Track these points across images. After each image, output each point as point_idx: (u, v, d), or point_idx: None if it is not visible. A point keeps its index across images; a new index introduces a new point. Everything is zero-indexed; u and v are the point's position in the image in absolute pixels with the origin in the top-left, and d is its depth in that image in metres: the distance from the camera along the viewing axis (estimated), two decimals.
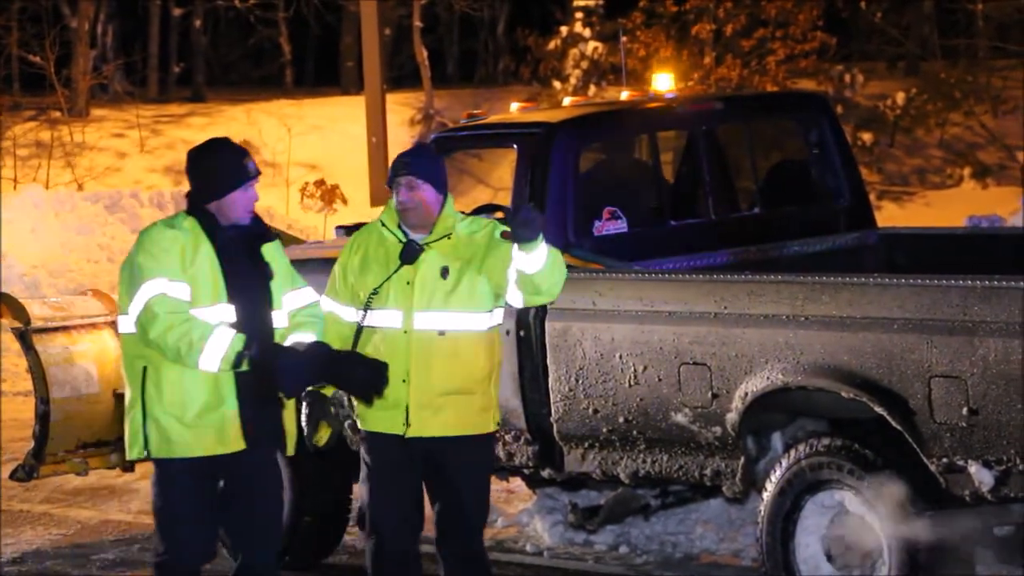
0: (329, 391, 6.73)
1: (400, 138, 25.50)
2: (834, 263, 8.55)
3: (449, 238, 6.66)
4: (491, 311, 6.69)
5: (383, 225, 6.75)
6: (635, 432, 7.74)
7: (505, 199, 8.25)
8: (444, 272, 6.62)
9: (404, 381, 6.59)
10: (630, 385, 7.71)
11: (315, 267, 8.35)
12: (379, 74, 23.73)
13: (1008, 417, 6.67)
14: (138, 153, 26.20)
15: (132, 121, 26.94)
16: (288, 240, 10.00)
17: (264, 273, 6.54)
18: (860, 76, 25.76)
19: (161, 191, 20.42)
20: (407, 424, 6.61)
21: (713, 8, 24.34)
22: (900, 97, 25.74)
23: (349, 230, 9.67)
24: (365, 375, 6.49)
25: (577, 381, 7.82)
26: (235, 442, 6.43)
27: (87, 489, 10.78)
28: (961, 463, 6.82)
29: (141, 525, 10.02)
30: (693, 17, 24.58)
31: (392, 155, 23.85)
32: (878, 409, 7.00)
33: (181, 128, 27.36)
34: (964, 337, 6.75)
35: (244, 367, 6.34)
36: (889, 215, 21.38)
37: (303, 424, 6.71)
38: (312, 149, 24.76)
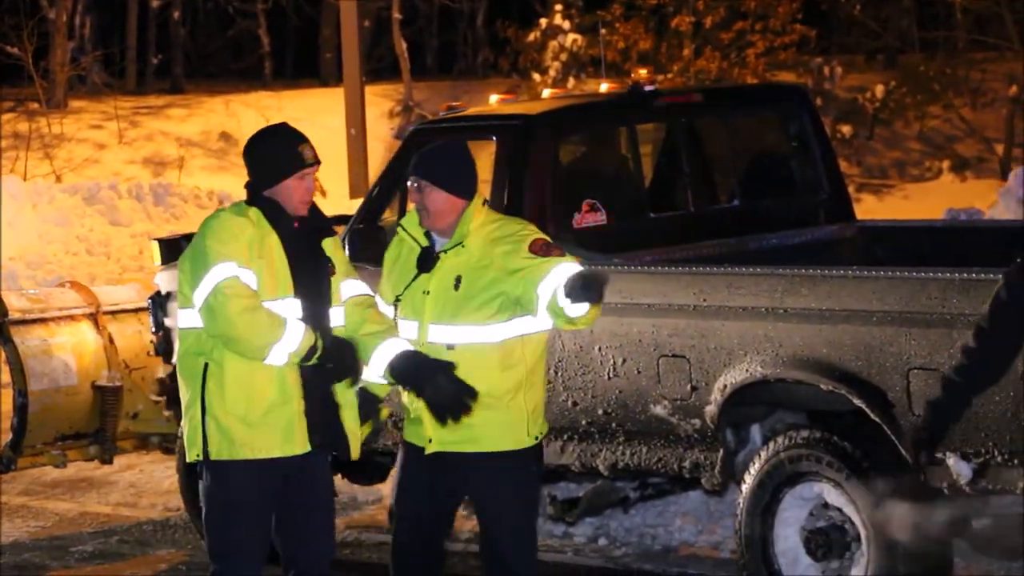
0: (382, 392, 6.38)
1: (379, 131, 25.49)
2: (813, 256, 8.56)
3: (463, 245, 6.22)
4: (508, 321, 6.18)
5: (404, 229, 6.37)
6: (614, 424, 7.75)
7: (485, 191, 8.24)
8: (457, 283, 6.20)
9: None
10: (609, 377, 7.71)
11: None
12: (358, 66, 23.68)
13: (986, 410, 6.69)
14: (117, 145, 26.14)
15: (110, 113, 26.87)
16: None
17: (326, 269, 6.21)
18: (839, 69, 25.79)
19: (140, 183, 20.37)
20: (429, 440, 6.28)
21: (692, 0, 24.34)
22: (879, 90, 25.78)
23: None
24: (446, 387, 6.08)
25: (556, 373, 7.82)
26: (301, 444, 6.12)
27: (65, 481, 10.77)
28: (939, 455, 6.83)
29: (120, 517, 10.02)
30: (672, 9, 24.59)
31: (371, 148, 23.85)
32: (857, 401, 7.01)
33: (160, 120, 27.31)
34: (942, 329, 6.77)
35: (314, 361, 6.04)
36: (868, 208, 21.41)
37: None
38: None
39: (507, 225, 6.29)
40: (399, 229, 6.41)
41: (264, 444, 6.07)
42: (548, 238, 6.25)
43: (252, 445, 6.06)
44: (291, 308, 6.10)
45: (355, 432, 6.29)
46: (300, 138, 6.21)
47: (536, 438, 6.31)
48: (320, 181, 21.55)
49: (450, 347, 6.20)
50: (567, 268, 6.08)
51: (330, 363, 6.09)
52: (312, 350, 6.03)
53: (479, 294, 6.18)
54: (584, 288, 5.89)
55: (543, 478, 6.95)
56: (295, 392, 6.10)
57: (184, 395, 6.18)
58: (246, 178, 6.28)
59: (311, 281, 6.16)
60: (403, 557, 6.44)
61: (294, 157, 6.17)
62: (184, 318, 6.13)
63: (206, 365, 6.07)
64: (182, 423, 6.24)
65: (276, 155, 6.17)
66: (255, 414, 6.05)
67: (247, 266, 6.02)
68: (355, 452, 6.27)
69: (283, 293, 6.09)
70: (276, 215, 6.13)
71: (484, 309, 6.18)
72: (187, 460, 6.19)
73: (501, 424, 6.22)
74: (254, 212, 6.13)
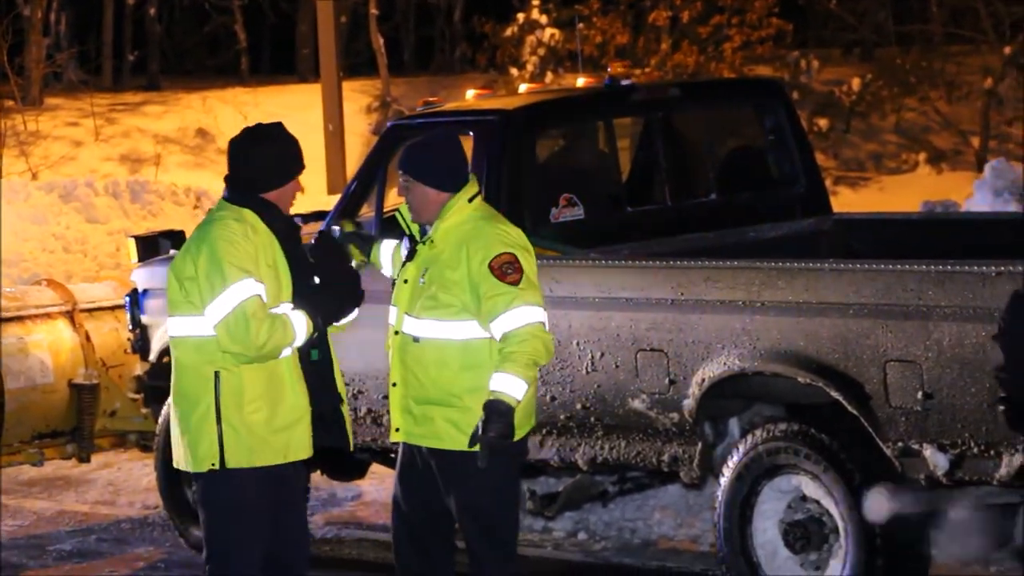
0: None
1: (357, 126, 25.45)
2: (790, 249, 8.57)
3: (433, 241, 6.25)
4: (470, 321, 6.19)
5: (400, 215, 6.40)
6: (593, 419, 7.75)
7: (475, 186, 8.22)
8: (423, 275, 6.25)
9: (394, 384, 6.32)
10: (587, 372, 7.72)
11: None
12: (335, 62, 23.64)
13: (962, 401, 6.71)
14: (93, 142, 26.05)
15: (87, 110, 26.77)
16: None
17: (310, 270, 6.22)
18: (816, 62, 25.81)
19: (116, 180, 20.29)
20: (396, 429, 6.32)
21: None
22: (855, 83, 25.81)
23: (306, 218, 9.65)
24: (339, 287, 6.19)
25: None
26: (308, 447, 6.14)
27: (42, 480, 10.73)
28: (916, 447, 6.85)
29: (98, 516, 9.99)
30: (649, 4, 24.59)
31: (349, 143, 23.81)
32: (834, 394, 7.03)
33: (136, 117, 27.21)
34: (919, 322, 6.78)
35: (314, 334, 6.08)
36: (845, 200, 21.43)
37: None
38: None
39: (483, 227, 6.25)
40: (396, 215, 6.45)
41: (282, 450, 6.06)
42: (514, 252, 6.19)
43: (270, 451, 6.04)
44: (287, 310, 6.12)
45: (349, 423, 6.32)
46: (296, 139, 6.19)
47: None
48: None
49: (416, 340, 6.24)
50: (516, 317, 6.09)
51: (330, 320, 6.13)
52: (315, 327, 6.08)
53: (440, 292, 6.19)
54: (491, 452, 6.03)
55: (521, 472, 6.91)
56: (305, 396, 6.11)
57: (188, 404, 6.07)
58: (224, 175, 6.21)
59: (305, 284, 6.15)
60: (400, 547, 6.43)
61: (298, 158, 6.16)
62: (185, 325, 6.03)
63: (217, 373, 6.00)
64: (179, 430, 6.12)
65: (282, 157, 6.12)
66: (280, 421, 6.03)
67: (261, 279, 5.98)
68: (351, 443, 6.32)
69: (285, 299, 6.10)
70: (272, 218, 6.09)
71: (446, 307, 6.19)
72: (195, 469, 6.08)
73: (457, 424, 6.21)
74: (250, 215, 6.07)
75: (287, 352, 6.03)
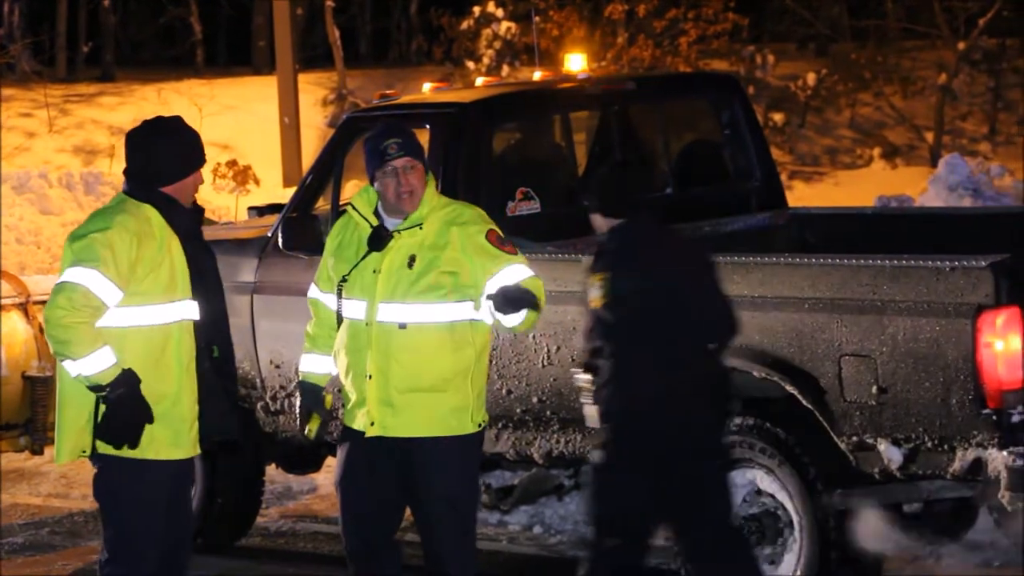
0: (323, 381, 6.40)
1: (313, 119, 25.37)
2: (745, 243, 8.60)
3: (421, 227, 6.24)
4: (459, 303, 6.22)
5: (354, 209, 6.35)
6: (549, 412, 7.76)
7: None
8: (411, 261, 6.20)
9: (369, 377, 6.23)
10: (543, 365, 7.72)
11: (227, 248, 8.31)
12: (291, 54, 23.58)
13: (916, 395, 6.74)
14: (47, 133, 25.92)
15: (40, 101, 26.62)
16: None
17: (213, 257, 6.19)
18: (771, 57, 25.90)
19: (70, 171, 20.20)
20: (371, 423, 6.25)
21: None
22: (811, 78, 25.91)
23: (261, 211, 9.63)
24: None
25: (491, 362, 7.81)
26: (196, 445, 6.12)
27: None
28: (871, 441, 6.88)
29: (51, 509, 9.94)
30: None
31: (305, 136, 23.76)
32: (789, 388, 7.05)
33: (91, 108, 27.08)
34: (873, 316, 6.81)
35: (100, 399, 5.91)
36: (800, 195, 21.53)
37: (296, 414, 6.43)
38: (224, 129, 24.57)
39: (462, 209, 6.35)
40: (349, 209, 6.40)
41: (165, 445, 6.03)
42: (494, 228, 6.30)
43: (157, 445, 6.01)
44: (188, 310, 6.06)
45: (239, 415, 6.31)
46: (196, 132, 6.17)
47: (479, 425, 6.31)
48: (253, 170, 21.47)
49: (402, 326, 6.21)
50: (511, 273, 6.19)
51: (112, 417, 5.93)
52: (98, 388, 5.90)
53: (432, 273, 6.21)
54: (508, 303, 6.06)
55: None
56: (191, 391, 6.06)
57: (60, 388, 6.07)
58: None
59: (207, 276, 6.12)
60: (352, 544, 6.39)
61: (198, 151, 6.13)
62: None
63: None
64: (59, 417, 6.10)
65: (181, 150, 6.09)
66: (156, 411, 5.98)
67: (115, 278, 5.88)
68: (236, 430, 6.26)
69: (181, 295, 6.05)
70: (172, 212, 6.05)
71: (437, 289, 6.21)
72: (58, 461, 6.09)
73: (449, 408, 6.23)
74: (150, 211, 6.02)
75: (77, 367, 5.89)
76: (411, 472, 6.26)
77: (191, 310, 6.08)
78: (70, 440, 6.05)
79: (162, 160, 6.05)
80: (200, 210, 6.25)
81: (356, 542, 6.38)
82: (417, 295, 6.21)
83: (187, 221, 6.10)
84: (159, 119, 6.18)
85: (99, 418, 5.97)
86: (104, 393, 5.91)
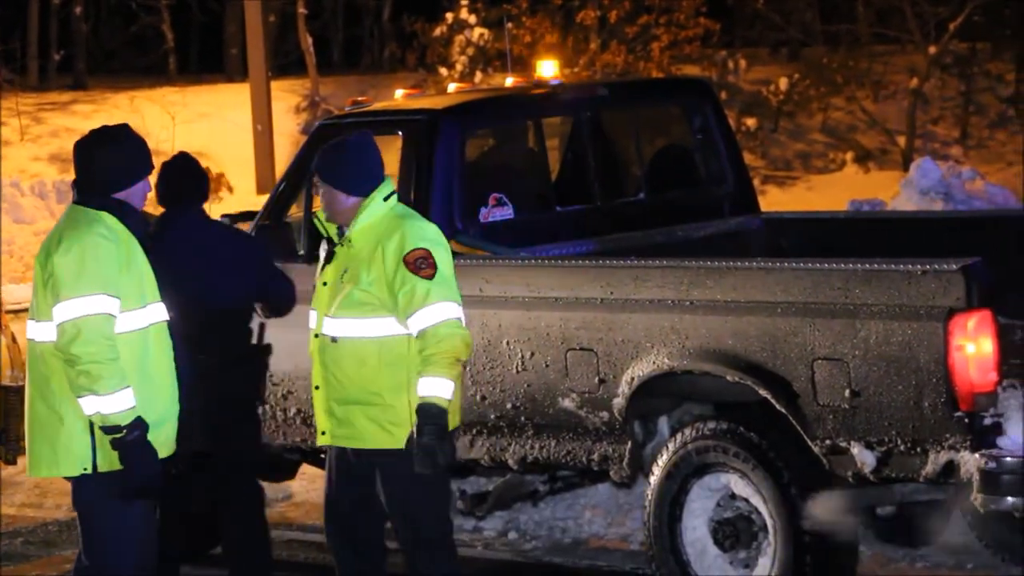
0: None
1: (286, 126, 25.37)
2: (719, 248, 8.61)
3: (351, 243, 6.31)
4: (387, 317, 6.25)
5: (316, 218, 6.44)
6: (523, 418, 7.76)
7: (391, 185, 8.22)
8: (343, 275, 6.32)
9: (316, 388, 6.38)
10: (517, 371, 7.73)
11: None
12: (263, 61, 23.58)
13: (889, 399, 6.76)
14: (19, 142, 25.85)
15: (12, 109, 26.56)
16: None
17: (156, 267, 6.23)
18: (743, 62, 25.98)
19: (43, 180, 20.17)
20: (323, 432, 6.39)
21: None
22: (783, 82, 26.00)
23: (234, 219, 9.61)
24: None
25: (465, 368, 7.81)
26: (171, 444, 6.14)
27: None
28: (844, 444, 6.90)
29: (25, 518, 9.91)
30: (578, 3, 24.66)
31: (278, 143, 23.75)
32: (763, 392, 7.07)
33: (64, 116, 27.03)
34: (846, 320, 6.83)
35: (113, 441, 5.90)
36: (773, 199, 21.59)
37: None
38: (197, 137, 24.55)
39: (398, 224, 6.30)
40: (313, 218, 6.49)
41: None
42: (428, 248, 6.23)
43: None
44: (158, 312, 6.11)
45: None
46: (143, 139, 6.23)
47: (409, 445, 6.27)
48: (227, 177, 21.46)
49: (334, 340, 6.30)
50: (431, 313, 6.14)
51: (134, 466, 5.93)
52: (115, 429, 5.89)
53: (357, 290, 6.25)
54: (426, 456, 6.08)
55: (453, 473, 6.95)
56: (175, 401, 6.11)
57: (59, 407, 6.01)
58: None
59: (176, 277, 6.25)
60: (337, 549, 6.50)
61: (146, 158, 6.18)
62: (39, 331, 6.03)
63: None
64: (56, 435, 6.04)
65: (129, 157, 6.13)
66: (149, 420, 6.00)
67: (114, 292, 5.91)
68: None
69: (152, 299, 6.10)
70: (128, 218, 6.09)
71: (363, 306, 6.25)
72: (64, 475, 6.05)
73: (380, 422, 6.27)
74: (109, 218, 6.06)
75: (94, 406, 5.87)
76: (373, 481, 6.36)
77: (161, 312, 6.13)
78: (71, 454, 6.01)
79: (111, 168, 6.11)
80: (147, 220, 6.34)
81: (338, 541, 6.48)
82: (343, 309, 6.27)
83: (143, 225, 6.16)
84: (105, 128, 6.24)
85: (102, 460, 5.95)
86: (120, 435, 5.90)
